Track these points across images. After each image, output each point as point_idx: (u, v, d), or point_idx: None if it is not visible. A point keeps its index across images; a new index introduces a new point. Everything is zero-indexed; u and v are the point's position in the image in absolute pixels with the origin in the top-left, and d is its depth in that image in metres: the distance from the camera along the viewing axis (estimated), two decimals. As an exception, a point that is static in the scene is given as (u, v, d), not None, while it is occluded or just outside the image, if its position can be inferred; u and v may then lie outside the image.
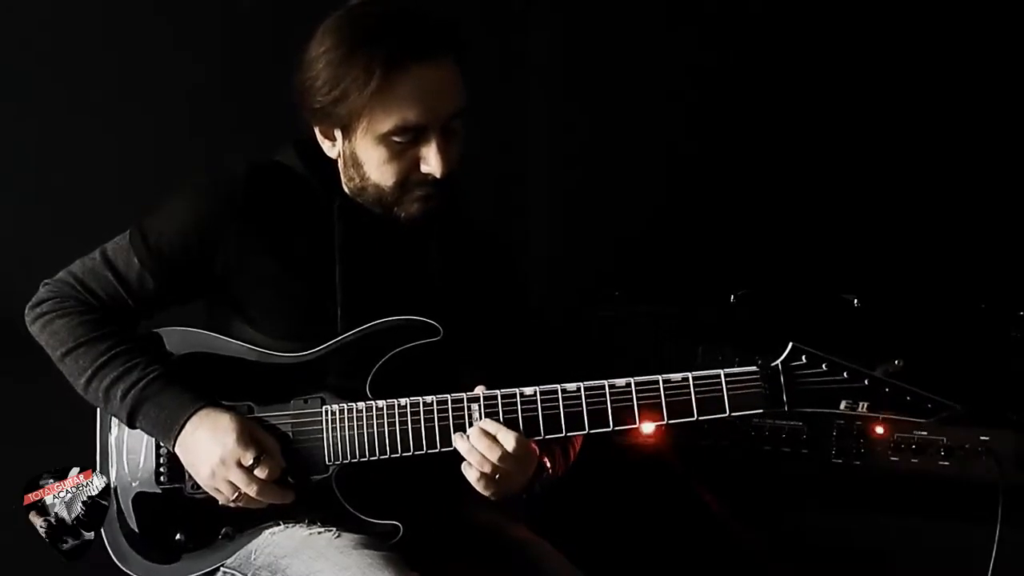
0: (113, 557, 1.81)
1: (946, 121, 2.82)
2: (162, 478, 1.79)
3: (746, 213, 2.98)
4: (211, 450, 1.70)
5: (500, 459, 1.65)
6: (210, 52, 2.63)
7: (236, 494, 1.71)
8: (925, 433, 2.21)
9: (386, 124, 1.68)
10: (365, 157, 1.72)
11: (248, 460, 1.69)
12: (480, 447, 1.66)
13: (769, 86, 2.97)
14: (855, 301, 2.42)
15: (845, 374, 1.67)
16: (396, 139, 1.69)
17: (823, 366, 1.67)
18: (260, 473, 1.70)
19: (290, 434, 1.75)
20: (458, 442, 1.68)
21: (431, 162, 1.70)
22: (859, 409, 1.66)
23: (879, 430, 2.26)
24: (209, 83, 2.63)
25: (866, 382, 1.66)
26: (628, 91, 3.07)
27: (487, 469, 1.66)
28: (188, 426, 1.72)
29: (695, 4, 3.04)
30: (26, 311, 1.83)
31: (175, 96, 2.60)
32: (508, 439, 1.66)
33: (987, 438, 2.20)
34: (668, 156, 3.04)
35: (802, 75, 2.94)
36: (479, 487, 1.68)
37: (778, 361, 1.68)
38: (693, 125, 3.05)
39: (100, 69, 2.51)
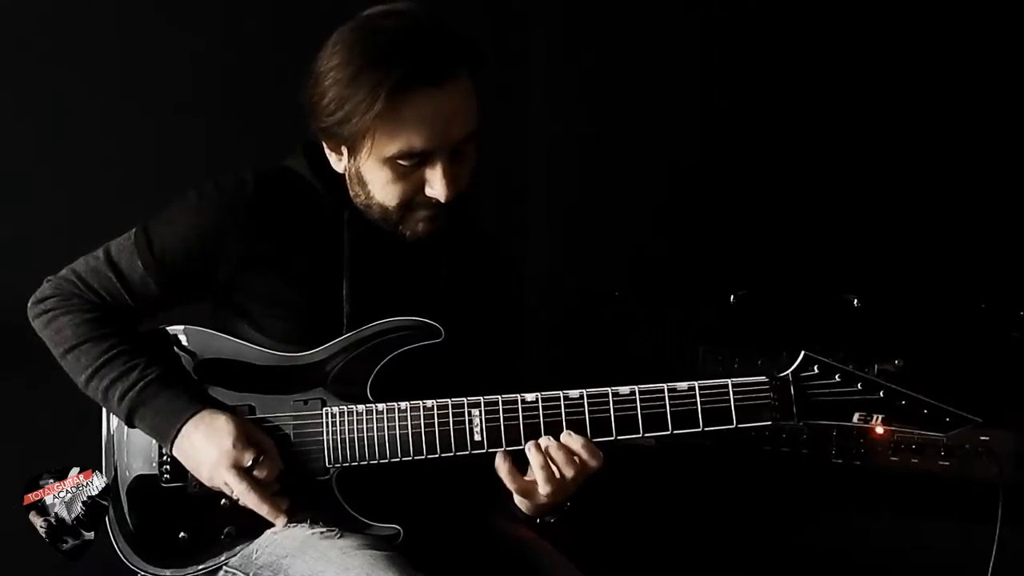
0: (118, 556, 1.81)
1: (946, 121, 2.82)
2: (165, 477, 1.79)
3: (746, 213, 2.98)
4: (207, 453, 1.70)
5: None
6: (213, 49, 2.63)
7: (235, 496, 1.71)
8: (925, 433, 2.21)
9: (391, 148, 1.65)
10: (370, 177, 1.70)
11: (247, 461, 1.69)
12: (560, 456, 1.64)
13: (769, 86, 2.98)
14: (855, 301, 2.42)
15: (859, 385, 1.60)
16: (401, 162, 1.67)
17: (836, 376, 1.60)
18: (259, 474, 1.70)
19: (291, 435, 1.75)
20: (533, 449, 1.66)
21: (436, 187, 1.67)
22: (873, 422, 1.59)
23: (879, 430, 2.26)
24: (212, 81, 2.63)
25: (881, 394, 1.59)
26: (628, 91, 3.07)
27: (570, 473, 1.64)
28: (184, 430, 1.72)
29: (695, 6, 3.04)
30: (29, 306, 1.82)
31: (176, 94, 2.59)
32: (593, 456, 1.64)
33: (987, 438, 2.20)
34: (668, 156, 3.05)
35: (802, 75, 2.94)
36: (546, 490, 1.65)
37: (788, 371, 1.62)
38: (693, 125, 3.05)
39: (100, 67, 2.51)
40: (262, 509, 1.70)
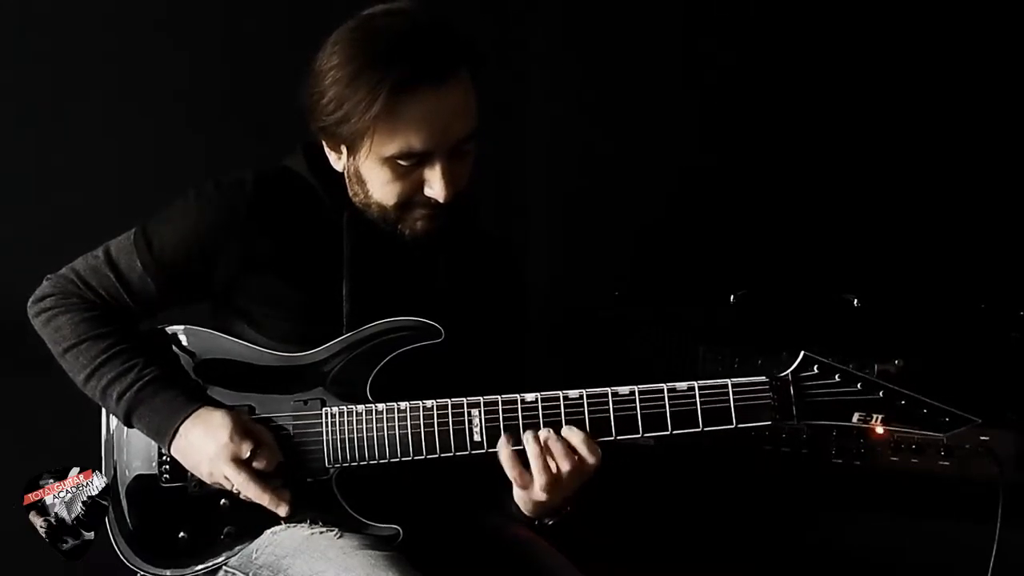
0: (118, 556, 1.81)
1: (946, 121, 2.82)
2: (164, 477, 1.79)
3: (746, 213, 2.98)
4: (205, 448, 1.70)
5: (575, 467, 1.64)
6: (213, 50, 2.63)
7: (236, 489, 1.71)
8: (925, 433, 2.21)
9: (390, 148, 1.65)
10: (369, 176, 1.71)
11: (245, 453, 1.69)
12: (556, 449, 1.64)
13: (769, 86, 2.98)
14: (855, 301, 2.42)
15: (859, 385, 1.60)
16: (400, 162, 1.67)
17: (836, 377, 1.61)
18: (258, 464, 1.70)
19: (291, 436, 1.75)
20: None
21: (435, 187, 1.67)
22: (872, 422, 1.59)
23: (879, 430, 2.26)
24: (211, 81, 2.63)
25: (881, 394, 1.59)
26: (629, 91, 3.07)
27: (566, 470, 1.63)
28: (182, 429, 1.72)
29: (695, 6, 3.04)
30: (29, 305, 1.83)
31: (176, 94, 2.59)
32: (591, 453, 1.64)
33: (987, 438, 2.20)
34: (668, 156, 3.04)
35: (801, 75, 2.94)
36: (541, 480, 1.64)
37: (788, 371, 1.62)
38: (693, 125, 3.05)
39: (100, 67, 2.51)
40: (263, 499, 1.70)
